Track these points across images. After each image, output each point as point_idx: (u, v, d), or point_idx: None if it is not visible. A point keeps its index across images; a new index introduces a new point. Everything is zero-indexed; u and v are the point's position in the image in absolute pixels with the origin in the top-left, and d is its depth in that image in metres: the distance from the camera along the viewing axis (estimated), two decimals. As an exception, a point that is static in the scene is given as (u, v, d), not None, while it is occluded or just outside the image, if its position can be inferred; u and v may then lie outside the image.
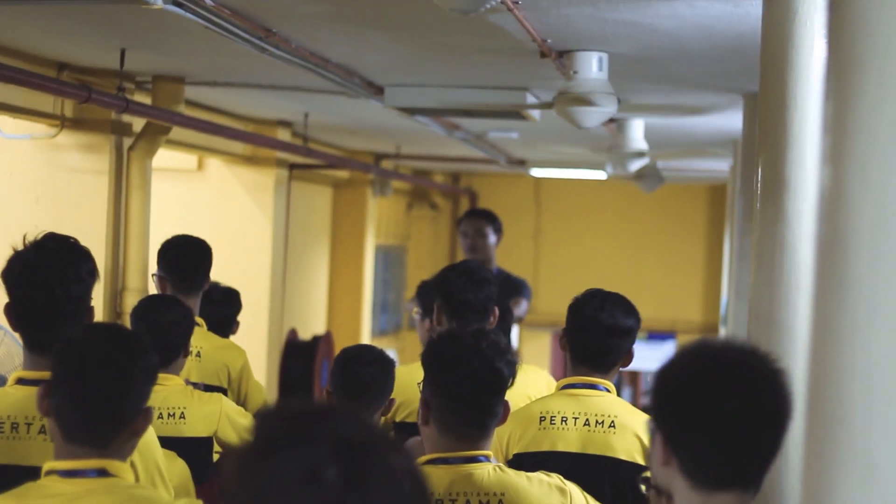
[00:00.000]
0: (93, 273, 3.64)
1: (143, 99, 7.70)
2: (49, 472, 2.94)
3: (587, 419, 4.20)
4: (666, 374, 2.34)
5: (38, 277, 3.56)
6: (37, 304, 3.56)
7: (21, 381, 3.58)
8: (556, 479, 3.53)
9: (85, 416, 2.95)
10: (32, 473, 3.15)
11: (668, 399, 2.33)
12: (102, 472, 2.92)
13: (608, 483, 4.14)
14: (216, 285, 5.84)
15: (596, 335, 4.24)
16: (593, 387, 4.25)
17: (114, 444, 2.96)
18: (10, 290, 3.61)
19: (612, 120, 8.45)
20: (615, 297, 4.30)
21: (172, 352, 4.88)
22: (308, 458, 1.69)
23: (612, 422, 4.18)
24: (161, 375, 3.79)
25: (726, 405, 2.24)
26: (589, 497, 3.60)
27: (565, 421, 4.20)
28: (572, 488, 3.54)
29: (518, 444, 4.16)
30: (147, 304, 5.11)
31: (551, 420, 4.20)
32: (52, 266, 3.56)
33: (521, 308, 7.78)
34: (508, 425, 3.88)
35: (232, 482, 1.75)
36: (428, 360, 3.46)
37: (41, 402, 2.99)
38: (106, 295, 7.37)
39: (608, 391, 4.27)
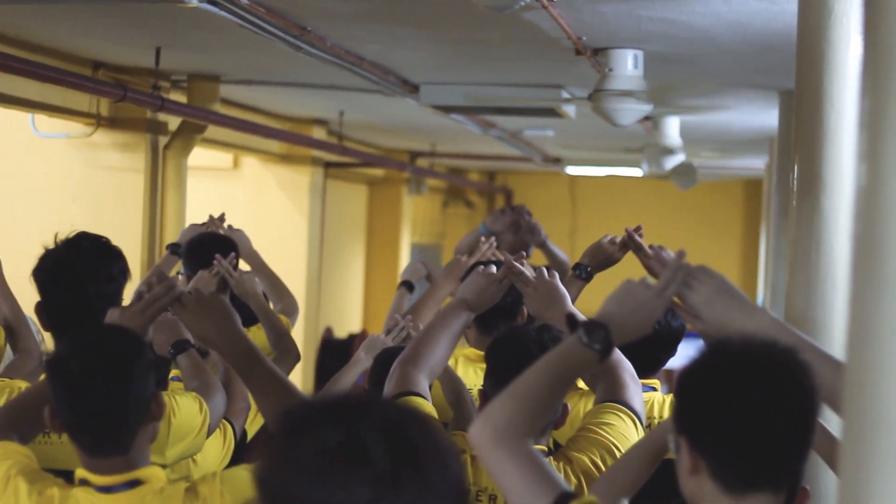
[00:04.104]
0: (124, 273, 3.61)
1: (179, 98, 7.72)
2: (83, 482, 2.78)
3: None
4: (687, 377, 2.29)
5: (69, 275, 3.53)
6: (68, 302, 3.52)
7: None
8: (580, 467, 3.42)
9: (95, 432, 2.76)
10: (61, 476, 3.12)
11: (691, 401, 2.28)
12: (134, 483, 2.76)
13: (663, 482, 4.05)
14: None
15: (657, 345, 4.14)
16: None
17: (136, 442, 2.78)
18: (42, 288, 3.58)
19: (647, 117, 8.42)
20: None
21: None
22: (354, 434, 1.65)
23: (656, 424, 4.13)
24: None
25: (751, 398, 2.20)
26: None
27: None
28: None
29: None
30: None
31: None
32: (84, 264, 3.53)
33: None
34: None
35: (262, 469, 1.70)
36: (490, 354, 3.44)
37: (51, 422, 2.81)
38: (142, 293, 7.40)
39: (654, 389, 4.22)
